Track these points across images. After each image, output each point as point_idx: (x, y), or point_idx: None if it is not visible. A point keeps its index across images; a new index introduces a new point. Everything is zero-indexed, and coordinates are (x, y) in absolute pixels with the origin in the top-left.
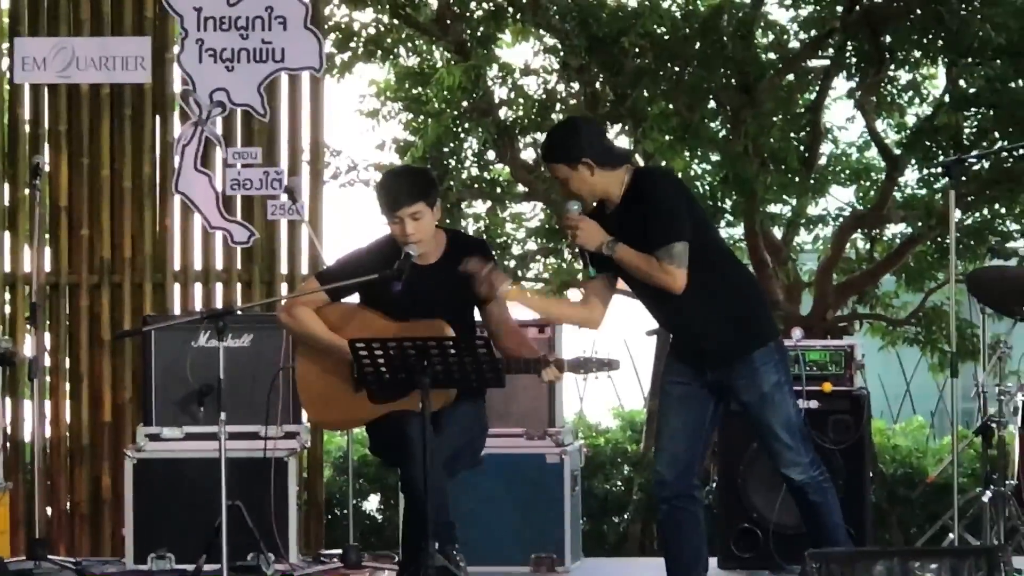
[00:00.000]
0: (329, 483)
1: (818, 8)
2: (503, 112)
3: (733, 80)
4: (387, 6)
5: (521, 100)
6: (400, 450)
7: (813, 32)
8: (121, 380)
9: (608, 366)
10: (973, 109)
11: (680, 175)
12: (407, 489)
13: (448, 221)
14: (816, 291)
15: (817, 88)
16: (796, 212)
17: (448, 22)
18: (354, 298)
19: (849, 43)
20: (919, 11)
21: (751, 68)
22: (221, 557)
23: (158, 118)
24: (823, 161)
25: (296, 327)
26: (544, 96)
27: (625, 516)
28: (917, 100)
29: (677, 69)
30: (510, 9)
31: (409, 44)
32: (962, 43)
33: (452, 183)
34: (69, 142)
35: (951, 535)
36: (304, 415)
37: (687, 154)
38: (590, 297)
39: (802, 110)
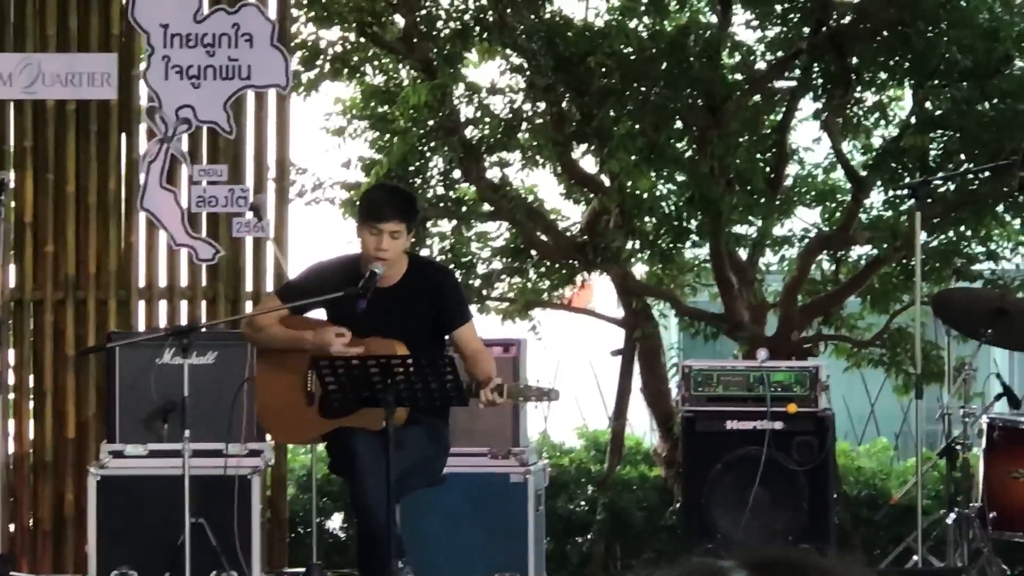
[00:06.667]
0: (293, 501)
1: (785, 29)
2: (469, 131)
3: (699, 100)
4: (354, 24)
5: (487, 119)
6: (347, 465)
7: (780, 53)
8: (85, 397)
9: (547, 396)
10: (939, 131)
11: (646, 195)
12: (354, 504)
13: (414, 239)
14: (781, 312)
15: (783, 109)
16: (762, 233)
17: (415, 41)
18: (319, 312)
19: (815, 64)
20: (886, 33)
21: (717, 89)
22: (184, 575)
23: (124, 135)
24: (789, 182)
25: (258, 335)
26: (510, 115)
27: (588, 536)
28: (883, 122)
29: (643, 89)
30: (477, 28)
31: (375, 62)
32: (928, 65)
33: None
34: (34, 158)
35: (915, 557)
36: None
37: (653, 174)
38: None
39: (768, 131)
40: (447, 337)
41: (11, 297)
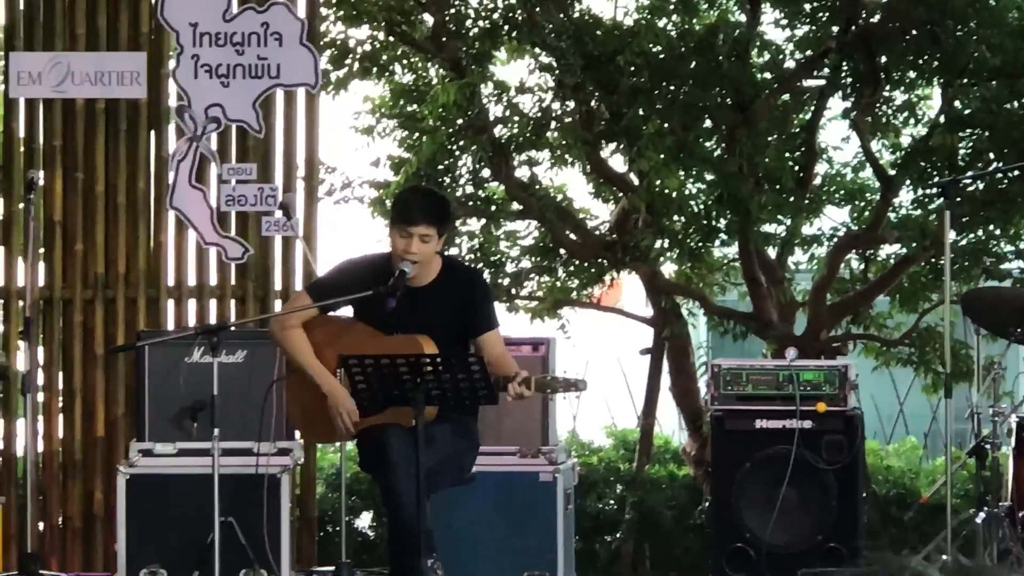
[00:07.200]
0: (322, 500)
1: (814, 28)
2: (498, 130)
3: (728, 99)
4: (383, 23)
5: (516, 118)
6: (378, 457)
7: (808, 52)
8: (114, 395)
9: (575, 387)
10: (968, 130)
11: (675, 194)
12: (385, 497)
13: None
14: (810, 311)
15: (812, 108)
16: (790, 232)
17: (444, 39)
18: (347, 309)
19: (844, 63)
20: (915, 32)
21: (746, 87)
22: (213, 573)
23: (153, 133)
24: (818, 181)
25: (286, 346)
26: (539, 114)
27: (618, 535)
28: (912, 121)
29: (672, 88)
30: (506, 27)
31: (404, 61)
32: (958, 64)
33: None
34: (64, 157)
35: (944, 556)
36: (297, 431)
37: (681, 173)
38: None
39: (797, 130)
40: (471, 341)
41: (40, 296)
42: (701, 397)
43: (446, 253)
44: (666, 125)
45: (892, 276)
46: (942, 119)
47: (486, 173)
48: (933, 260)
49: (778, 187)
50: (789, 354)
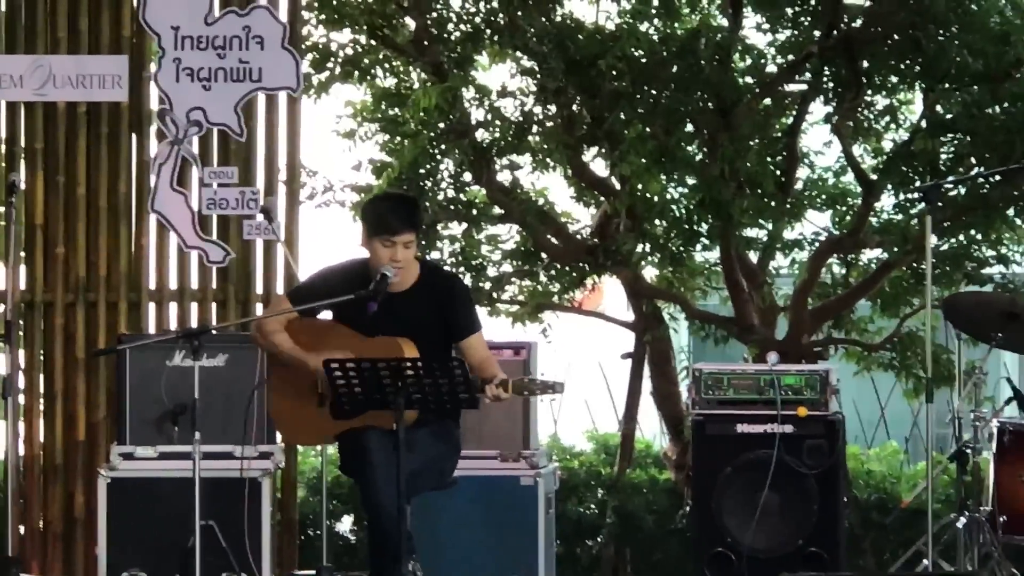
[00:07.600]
0: (302, 503)
1: (795, 33)
2: (480, 134)
3: (710, 104)
4: (365, 27)
5: (498, 122)
6: (358, 461)
7: (790, 56)
8: (95, 399)
9: (552, 389)
10: (950, 135)
11: (656, 198)
12: (364, 500)
13: (424, 243)
14: (791, 315)
15: (794, 112)
16: (772, 236)
17: (425, 43)
18: (327, 313)
19: (826, 68)
20: (896, 36)
21: (728, 92)
22: None
23: (135, 137)
24: (799, 186)
25: (267, 345)
26: (521, 118)
27: (598, 539)
28: (894, 125)
29: (654, 92)
30: (487, 31)
31: (386, 65)
32: (939, 69)
33: (428, 204)
34: (45, 160)
35: (925, 561)
36: (278, 435)
37: (663, 177)
38: None
39: (779, 134)
40: (454, 346)
41: (21, 299)
42: (682, 401)
43: (426, 257)
44: (648, 129)
45: (873, 281)
46: (924, 124)
47: (468, 177)
48: (915, 265)
49: (760, 191)
50: (770, 358)
